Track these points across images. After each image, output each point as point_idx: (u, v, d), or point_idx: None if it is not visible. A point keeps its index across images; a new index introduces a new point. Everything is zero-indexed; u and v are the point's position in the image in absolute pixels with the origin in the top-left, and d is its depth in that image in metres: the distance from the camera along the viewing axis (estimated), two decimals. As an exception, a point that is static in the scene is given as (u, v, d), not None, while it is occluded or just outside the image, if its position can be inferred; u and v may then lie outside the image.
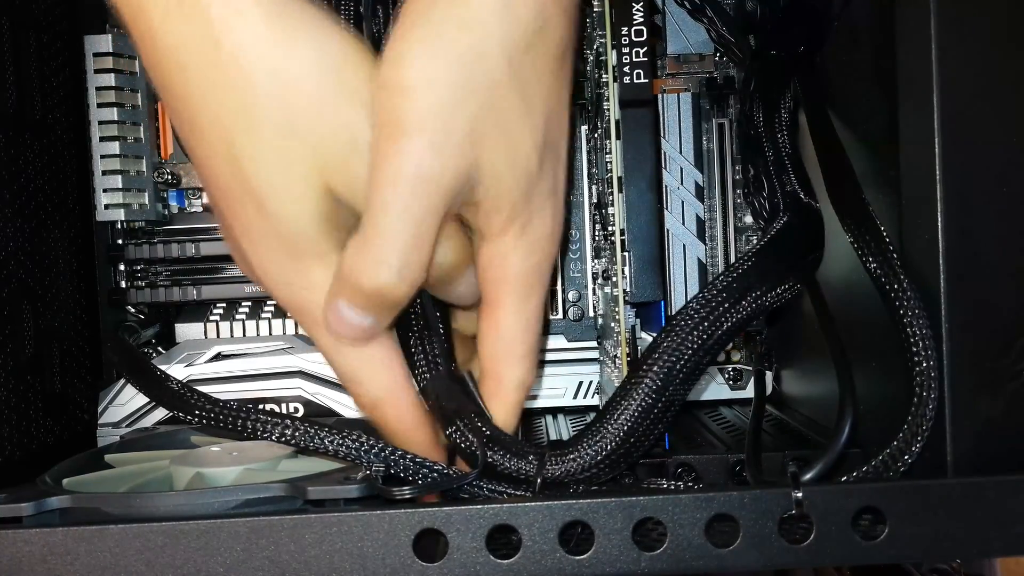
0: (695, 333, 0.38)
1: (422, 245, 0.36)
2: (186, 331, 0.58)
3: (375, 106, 0.35)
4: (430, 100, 0.35)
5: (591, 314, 0.57)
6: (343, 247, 0.37)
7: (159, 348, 0.58)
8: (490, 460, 0.38)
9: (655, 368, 0.38)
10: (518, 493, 0.37)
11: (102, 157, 0.56)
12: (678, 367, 0.38)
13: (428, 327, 0.41)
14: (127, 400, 0.55)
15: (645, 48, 0.45)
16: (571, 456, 0.38)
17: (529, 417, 0.56)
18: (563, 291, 0.58)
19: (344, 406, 0.54)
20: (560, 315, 0.58)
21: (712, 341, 0.39)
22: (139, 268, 0.58)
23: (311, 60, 0.35)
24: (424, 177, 0.35)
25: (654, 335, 0.40)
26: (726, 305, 0.39)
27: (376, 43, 0.44)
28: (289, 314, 0.43)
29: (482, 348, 0.40)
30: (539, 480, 0.37)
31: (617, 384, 0.40)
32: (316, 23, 0.36)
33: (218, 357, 0.55)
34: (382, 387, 0.39)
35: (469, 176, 0.36)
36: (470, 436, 0.38)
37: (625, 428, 0.38)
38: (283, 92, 0.35)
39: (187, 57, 0.35)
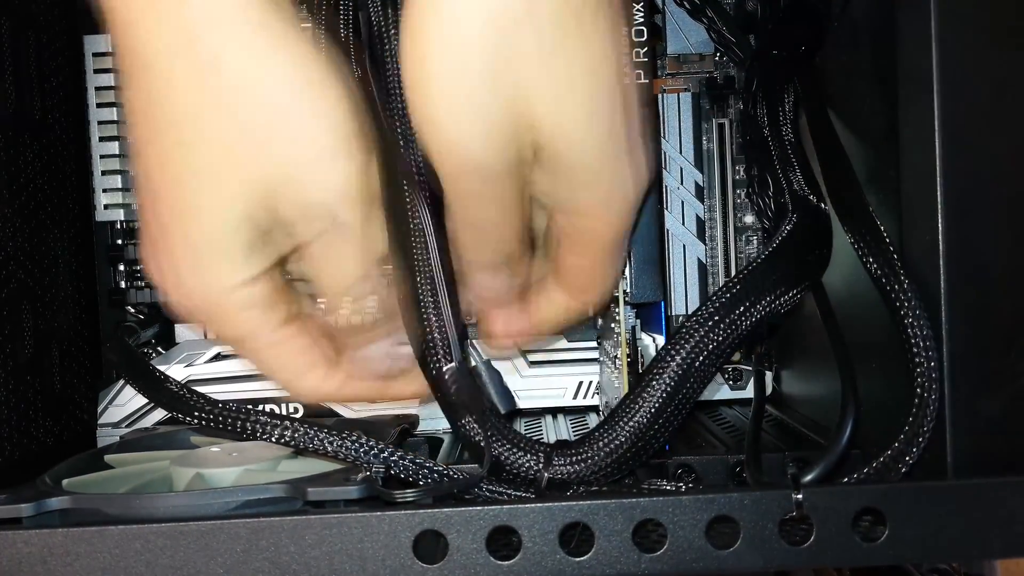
0: (708, 336, 0.38)
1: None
2: (186, 331, 0.58)
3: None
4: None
5: (591, 314, 0.57)
6: (264, 266, 0.37)
7: (159, 348, 0.58)
8: (496, 455, 0.38)
9: (669, 369, 0.38)
10: (518, 494, 0.37)
11: (102, 157, 0.56)
12: (691, 370, 0.38)
13: (442, 319, 0.40)
14: (127, 400, 0.55)
15: (645, 48, 0.45)
16: (583, 455, 0.38)
17: (529, 417, 0.56)
18: (563, 291, 0.57)
19: (344, 406, 0.54)
20: (560, 315, 0.57)
21: (725, 344, 0.38)
22: (139, 268, 0.58)
23: (285, 75, 0.35)
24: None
25: (654, 335, 0.40)
26: (740, 308, 0.39)
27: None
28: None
29: (564, 279, 0.41)
30: (545, 478, 0.37)
31: (617, 384, 0.40)
32: (295, 41, 0.35)
33: (218, 357, 0.55)
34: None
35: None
36: (479, 430, 0.38)
37: (638, 429, 0.38)
38: (249, 100, 0.34)
39: (161, 48, 0.34)
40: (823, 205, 0.43)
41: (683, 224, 0.54)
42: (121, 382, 0.55)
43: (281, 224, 0.37)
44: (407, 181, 0.40)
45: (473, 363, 0.41)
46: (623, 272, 0.43)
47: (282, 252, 0.38)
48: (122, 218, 0.57)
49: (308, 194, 0.36)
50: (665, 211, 0.53)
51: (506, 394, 0.41)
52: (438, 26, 0.33)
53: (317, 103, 0.35)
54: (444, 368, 0.40)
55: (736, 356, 0.56)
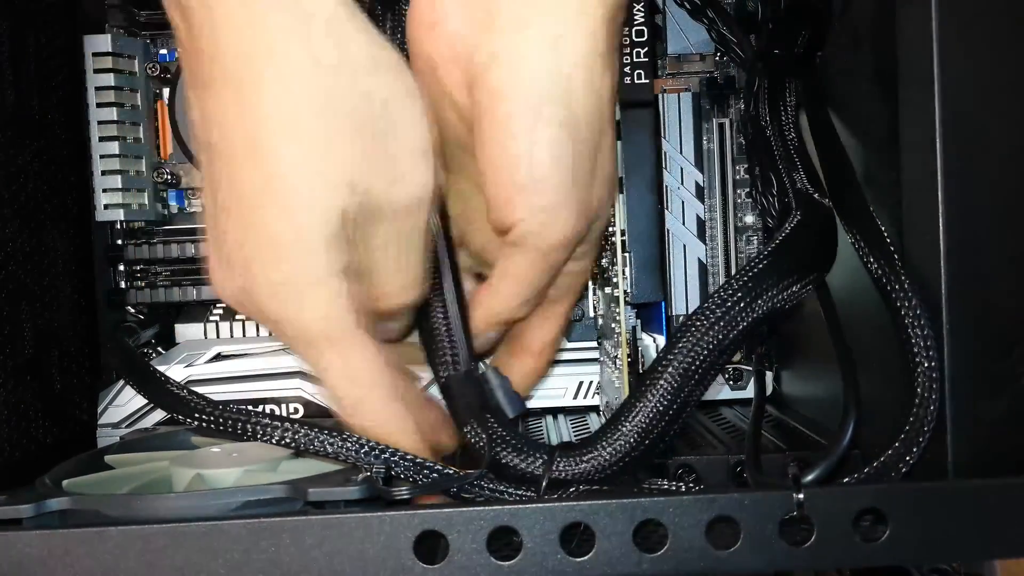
0: (711, 333, 0.38)
1: None
2: (186, 331, 0.58)
3: None
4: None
5: (591, 314, 0.57)
6: (346, 260, 0.37)
7: (159, 348, 0.58)
8: (499, 459, 0.38)
9: (671, 369, 0.38)
10: (520, 493, 0.37)
11: (101, 157, 0.56)
12: (694, 367, 0.38)
13: (450, 327, 0.41)
14: (127, 401, 0.55)
15: (645, 48, 0.45)
16: (587, 457, 0.38)
17: (529, 417, 0.56)
18: (563, 291, 0.57)
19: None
20: (560, 315, 0.57)
21: (728, 341, 0.38)
22: (139, 268, 0.58)
23: (388, 71, 0.37)
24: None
25: (655, 335, 0.40)
26: (742, 305, 0.38)
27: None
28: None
29: (535, 332, 0.45)
30: (545, 479, 0.37)
31: (618, 384, 0.40)
32: (387, 46, 0.37)
33: (218, 358, 0.55)
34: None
35: None
36: (481, 434, 0.39)
37: (641, 429, 0.38)
38: (351, 93, 0.36)
39: (261, 48, 0.35)
40: (827, 201, 0.43)
41: (683, 224, 0.54)
42: (121, 382, 0.55)
43: (366, 220, 0.37)
44: None
45: (482, 369, 0.42)
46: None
47: (358, 250, 0.38)
48: (122, 218, 0.57)
49: (396, 191, 0.37)
50: (665, 211, 0.53)
51: (515, 398, 0.42)
52: (523, 105, 0.37)
53: (413, 105, 0.37)
54: (450, 375, 0.40)
55: (736, 356, 0.56)
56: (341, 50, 0.35)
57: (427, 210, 0.38)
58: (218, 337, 0.57)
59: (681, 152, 0.54)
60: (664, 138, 0.54)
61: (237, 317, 0.57)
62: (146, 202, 0.58)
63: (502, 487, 0.37)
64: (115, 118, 0.56)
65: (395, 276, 0.39)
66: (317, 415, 0.54)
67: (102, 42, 0.56)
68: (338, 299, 0.37)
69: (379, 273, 0.39)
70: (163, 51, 0.58)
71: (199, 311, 0.58)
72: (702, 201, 0.54)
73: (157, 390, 0.44)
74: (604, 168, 0.40)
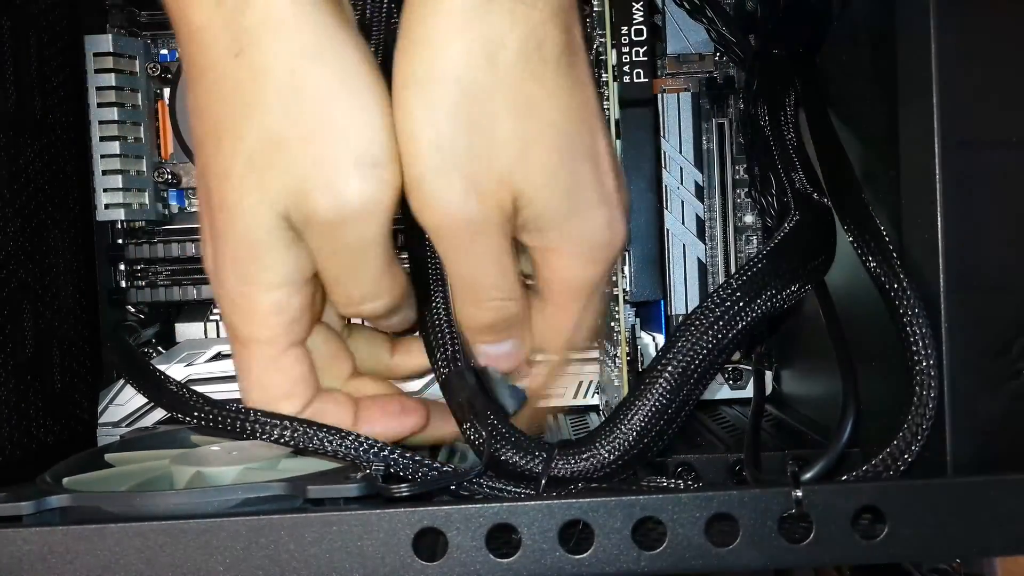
0: (710, 332, 0.38)
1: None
2: (186, 331, 0.58)
3: None
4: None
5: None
6: (296, 271, 0.37)
7: (159, 348, 0.58)
8: (498, 456, 0.38)
9: (670, 368, 0.38)
10: (519, 491, 0.37)
11: (102, 157, 0.56)
12: (693, 366, 0.38)
13: (451, 323, 0.41)
14: (127, 399, 0.55)
15: (645, 48, 0.45)
16: (584, 455, 0.38)
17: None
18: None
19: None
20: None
21: (727, 340, 0.38)
22: (139, 268, 0.58)
23: (332, 78, 0.35)
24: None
25: (654, 334, 0.40)
26: (741, 304, 0.38)
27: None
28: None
29: (540, 340, 0.42)
30: (544, 478, 0.37)
31: (617, 384, 0.40)
32: (348, 46, 0.36)
33: (218, 357, 0.55)
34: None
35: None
36: (480, 431, 0.39)
37: (639, 428, 0.38)
38: (295, 101, 0.35)
39: (220, 52, 0.35)
40: (826, 201, 0.43)
41: (683, 224, 0.54)
42: (121, 381, 0.55)
43: (314, 229, 0.36)
44: None
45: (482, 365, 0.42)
46: (602, 322, 0.43)
47: (314, 262, 0.38)
48: (122, 218, 0.57)
49: (344, 200, 0.35)
50: (665, 211, 0.53)
51: (516, 394, 0.42)
52: (416, 89, 0.35)
53: (362, 109, 0.35)
54: (450, 371, 0.40)
55: (736, 355, 0.56)
56: (288, 54, 0.35)
57: (375, 222, 0.36)
58: (218, 336, 0.57)
59: (680, 152, 0.54)
60: (663, 138, 0.54)
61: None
62: (147, 202, 0.58)
63: (501, 484, 0.37)
64: (116, 118, 0.56)
65: (351, 287, 0.39)
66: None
67: (103, 42, 0.56)
68: (279, 314, 0.38)
69: (334, 283, 0.39)
70: (164, 51, 0.59)
71: (199, 310, 0.58)
72: (701, 201, 0.54)
73: (157, 389, 0.44)
74: (544, 140, 0.36)
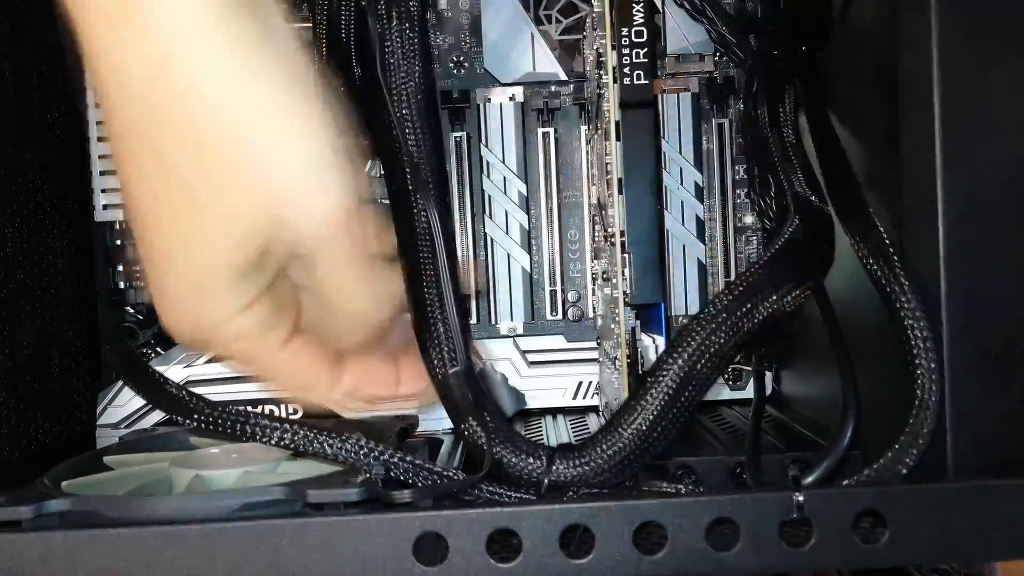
0: (711, 338, 0.38)
1: None
2: (185, 331, 0.58)
3: None
4: None
5: (591, 315, 0.57)
6: (256, 292, 0.36)
7: (158, 348, 0.58)
8: (498, 459, 0.38)
9: (671, 373, 0.38)
10: (519, 496, 0.37)
11: (101, 157, 0.56)
12: (694, 372, 0.38)
13: (448, 323, 0.41)
14: (126, 401, 0.55)
15: (645, 49, 0.44)
16: (586, 459, 0.38)
17: (528, 417, 0.56)
18: (563, 292, 0.58)
19: (344, 407, 0.54)
20: (560, 315, 0.58)
21: (728, 346, 0.38)
22: (138, 268, 0.58)
23: (264, 98, 0.33)
24: None
25: (654, 336, 0.40)
26: (742, 310, 0.38)
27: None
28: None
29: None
30: (546, 481, 0.37)
31: (617, 385, 0.40)
32: (278, 54, 0.34)
33: (216, 358, 0.55)
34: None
35: None
36: (480, 433, 0.38)
37: (640, 432, 0.38)
38: (229, 127, 0.33)
39: (137, 77, 0.32)
40: (825, 206, 0.43)
41: (683, 224, 0.54)
42: (120, 383, 0.55)
43: (271, 250, 0.36)
44: (419, 186, 0.40)
45: (480, 366, 0.42)
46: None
47: (273, 276, 0.37)
48: (122, 218, 0.57)
49: (296, 219, 0.35)
50: (665, 211, 0.53)
51: (514, 395, 0.42)
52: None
53: (300, 125, 0.34)
54: (448, 372, 0.40)
55: (736, 356, 0.56)
56: (213, 77, 0.32)
57: (343, 224, 0.36)
58: (218, 337, 0.57)
59: (681, 152, 0.54)
60: (664, 138, 0.54)
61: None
62: (145, 202, 0.57)
63: (501, 489, 0.37)
64: (114, 118, 0.56)
65: (341, 316, 0.39)
66: (317, 416, 0.54)
67: (101, 42, 0.56)
68: (248, 336, 0.37)
69: (321, 293, 0.39)
70: (162, 51, 0.58)
71: (199, 311, 0.58)
72: (701, 201, 0.54)
73: (156, 390, 0.44)
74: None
